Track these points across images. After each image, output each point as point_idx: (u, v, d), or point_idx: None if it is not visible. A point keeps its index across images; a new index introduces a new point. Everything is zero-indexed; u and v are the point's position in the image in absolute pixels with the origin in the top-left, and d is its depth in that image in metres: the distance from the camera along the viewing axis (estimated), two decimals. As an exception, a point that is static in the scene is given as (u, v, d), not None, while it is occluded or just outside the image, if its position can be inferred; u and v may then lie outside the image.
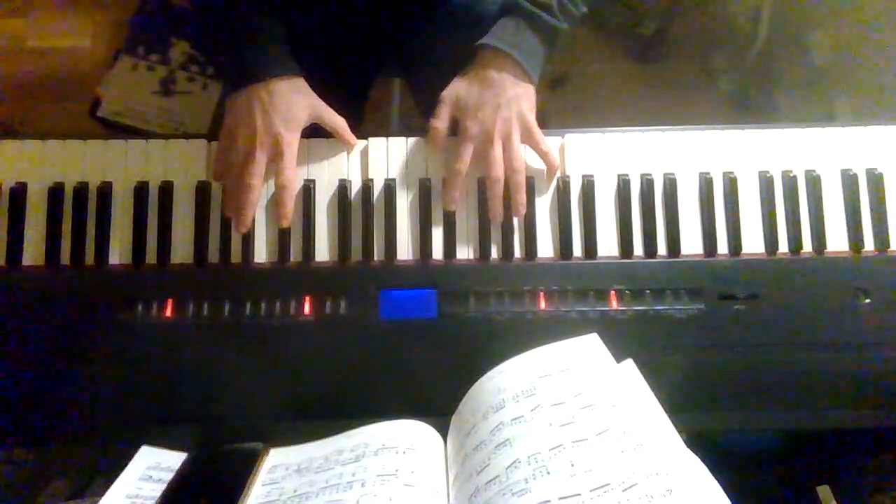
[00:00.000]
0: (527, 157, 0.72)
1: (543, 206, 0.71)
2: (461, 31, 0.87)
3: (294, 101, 0.69)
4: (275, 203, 0.69)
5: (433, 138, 0.71)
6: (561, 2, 0.72)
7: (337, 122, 0.72)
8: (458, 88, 0.72)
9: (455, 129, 0.72)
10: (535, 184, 0.71)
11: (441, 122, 0.71)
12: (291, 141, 0.69)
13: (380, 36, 0.93)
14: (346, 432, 0.60)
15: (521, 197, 0.69)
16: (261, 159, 0.68)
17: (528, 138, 0.71)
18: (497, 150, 0.69)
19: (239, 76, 0.69)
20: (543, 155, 0.71)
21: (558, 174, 0.71)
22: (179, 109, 1.47)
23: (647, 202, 0.71)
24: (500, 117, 0.69)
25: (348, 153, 0.73)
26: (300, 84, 0.71)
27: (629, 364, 0.57)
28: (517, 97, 0.70)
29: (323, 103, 0.72)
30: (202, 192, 0.71)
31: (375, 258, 0.70)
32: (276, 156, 0.69)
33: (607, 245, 0.70)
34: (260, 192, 0.69)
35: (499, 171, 0.69)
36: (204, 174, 0.72)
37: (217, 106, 1.49)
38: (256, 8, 0.70)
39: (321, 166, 0.72)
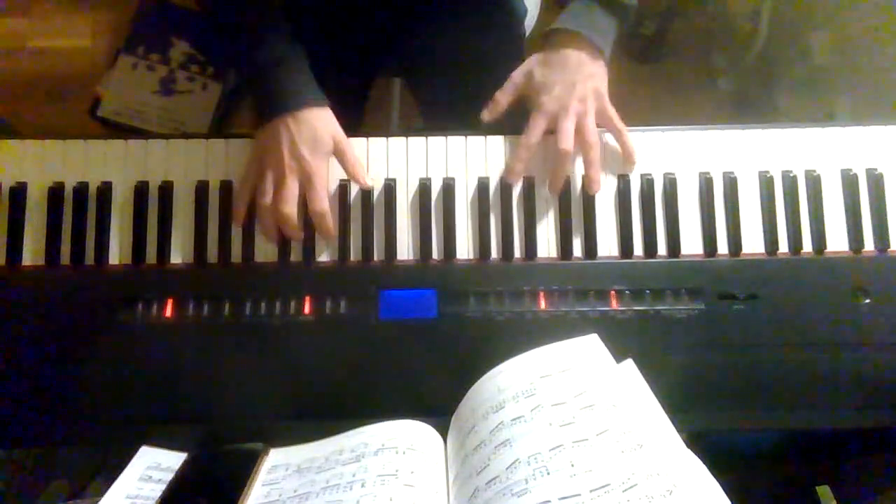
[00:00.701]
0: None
1: (544, 205, 0.71)
2: (464, 29, 0.87)
3: (321, 130, 0.69)
4: (316, 228, 0.69)
5: (492, 108, 0.72)
6: None
7: (356, 159, 0.71)
8: (531, 66, 0.72)
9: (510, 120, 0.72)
10: (535, 184, 0.71)
11: (505, 97, 0.72)
12: (319, 167, 0.69)
13: (380, 36, 0.93)
14: (346, 432, 0.60)
15: (595, 173, 0.69)
16: (293, 185, 0.68)
17: (601, 116, 0.70)
18: (570, 124, 0.68)
19: (266, 106, 0.69)
20: (618, 134, 0.70)
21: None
22: (179, 109, 1.47)
23: (647, 202, 0.71)
24: (575, 94, 0.69)
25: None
26: (326, 113, 0.71)
27: (629, 364, 0.57)
28: (592, 76, 0.70)
29: (346, 138, 0.71)
30: (202, 192, 0.71)
31: (375, 258, 0.70)
32: (305, 183, 0.68)
33: (607, 245, 0.70)
34: (297, 217, 0.68)
35: (568, 144, 0.68)
36: (204, 174, 0.72)
37: (217, 106, 1.49)
38: (282, 37, 0.70)
39: (321, 166, 0.72)
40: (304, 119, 0.68)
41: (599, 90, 0.71)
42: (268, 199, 0.68)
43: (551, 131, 0.70)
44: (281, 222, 0.68)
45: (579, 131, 0.69)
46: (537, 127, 0.69)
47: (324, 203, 0.68)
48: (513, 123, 0.73)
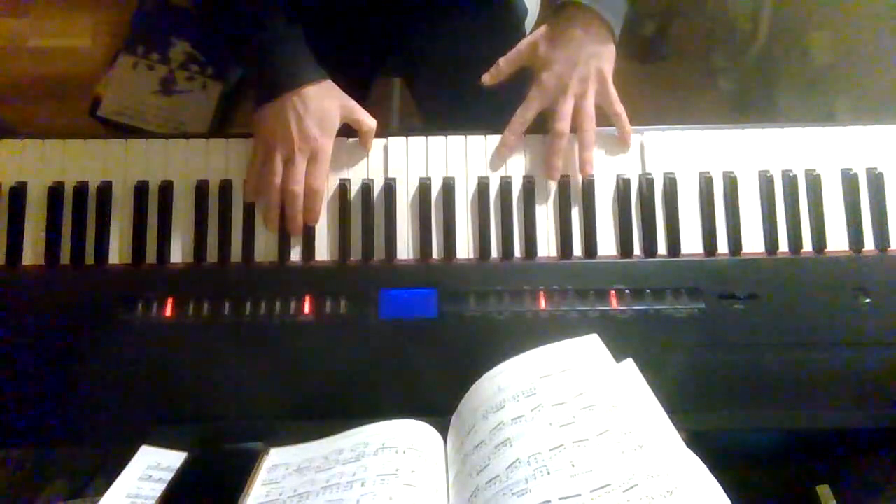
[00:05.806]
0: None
1: (544, 205, 0.71)
2: (464, 30, 0.87)
3: (327, 105, 0.69)
4: (305, 205, 0.69)
5: (493, 72, 0.71)
6: None
7: (369, 124, 0.71)
8: (536, 39, 0.71)
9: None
10: (535, 184, 0.71)
11: (509, 64, 0.71)
12: (326, 144, 0.69)
13: (380, 36, 0.93)
14: (346, 432, 0.60)
15: (589, 154, 0.69)
16: (301, 163, 0.68)
17: (602, 98, 0.70)
18: (568, 105, 0.68)
19: (270, 86, 0.69)
20: (616, 116, 0.70)
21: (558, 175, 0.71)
22: (179, 109, 1.47)
23: (647, 202, 0.71)
24: (576, 74, 0.68)
25: (348, 153, 0.73)
26: (330, 86, 0.71)
27: (629, 364, 0.57)
28: (597, 55, 0.69)
29: (354, 103, 0.71)
30: (202, 192, 0.71)
31: (375, 258, 0.70)
32: (311, 159, 0.68)
33: (607, 245, 0.70)
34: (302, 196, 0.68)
35: (565, 126, 0.68)
36: (204, 174, 0.72)
37: (217, 105, 1.49)
38: (279, 17, 0.70)
39: (321, 166, 0.72)
40: (309, 96, 0.68)
41: (602, 71, 0.69)
42: (278, 178, 0.68)
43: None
44: (287, 203, 0.68)
45: (576, 113, 0.68)
46: (534, 101, 0.69)
47: (322, 181, 0.68)
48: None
